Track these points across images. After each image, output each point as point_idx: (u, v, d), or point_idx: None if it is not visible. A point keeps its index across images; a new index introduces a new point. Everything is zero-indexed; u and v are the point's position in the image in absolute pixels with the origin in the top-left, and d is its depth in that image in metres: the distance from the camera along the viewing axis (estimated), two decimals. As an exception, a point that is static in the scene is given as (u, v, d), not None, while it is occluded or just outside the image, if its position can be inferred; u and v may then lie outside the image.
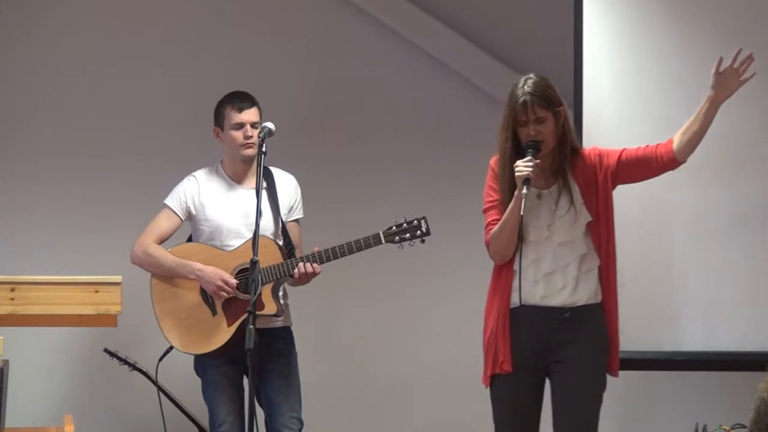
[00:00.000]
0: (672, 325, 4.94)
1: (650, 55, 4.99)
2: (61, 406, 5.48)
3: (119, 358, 5.32)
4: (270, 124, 4.65)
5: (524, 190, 4.17)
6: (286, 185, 5.00)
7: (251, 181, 4.95)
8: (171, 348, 4.93)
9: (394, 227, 4.78)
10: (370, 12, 5.88)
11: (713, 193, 4.94)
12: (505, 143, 4.29)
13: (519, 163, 4.22)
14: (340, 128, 5.92)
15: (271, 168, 4.98)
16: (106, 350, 5.33)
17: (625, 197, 4.85)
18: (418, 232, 4.78)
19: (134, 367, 5.31)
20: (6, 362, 4.71)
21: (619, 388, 5.59)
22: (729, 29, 4.89)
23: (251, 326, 4.17)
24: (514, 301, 4.33)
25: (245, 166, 4.97)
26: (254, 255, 4.36)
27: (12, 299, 3.92)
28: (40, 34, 5.75)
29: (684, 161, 4.29)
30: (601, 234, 4.33)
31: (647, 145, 4.34)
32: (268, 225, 4.86)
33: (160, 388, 5.25)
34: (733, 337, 4.92)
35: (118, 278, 4.05)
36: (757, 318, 4.91)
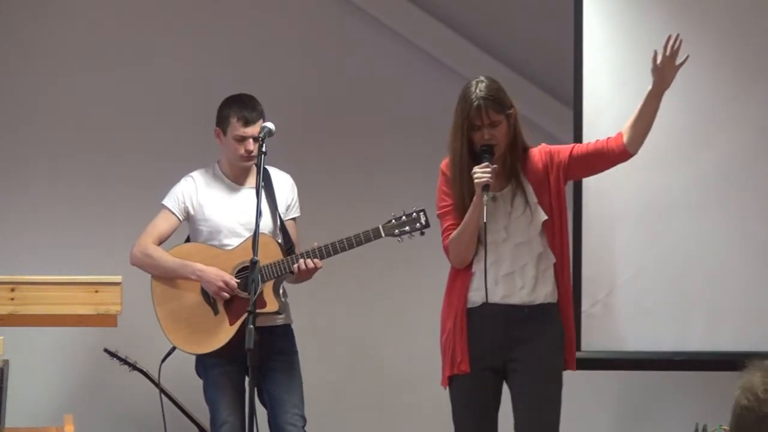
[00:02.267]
0: (672, 325, 4.94)
1: (650, 56, 4.98)
2: (61, 406, 5.48)
3: (119, 358, 5.32)
4: (270, 125, 4.64)
5: (484, 197, 4.19)
6: (283, 184, 5.00)
7: (249, 181, 4.95)
8: (174, 349, 4.92)
9: (393, 220, 4.77)
10: (370, 12, 5.88)
11: (714, 192, 4.94)
12: (461, 148, 4.31)
13: (476, 169, 4.24)
14: (340, 127, 5.92)
15: (268, 167, 4.97)
16: (106, 350, 5.33)
17: (624, 197, 4.86)
18: (418, 224, 4.77)
19: (134, 367, 5.31)
20: (6, 362, 4.70)
21: (619, 388, 5.60)
22: (729, 29, 4.89)
23: (251, 326, 4.17)
24: (474, 300, 4.36)
25: (244, 168, 4.96)
26: (254, 255, 4.36)
27: (12, 299, 3.92)
28: (40, 34, 5.75)
29: (635, 153, 4.30)
30: (554, 231, 4.35)
31: (597, 140, 4.38)
32: (266, 223, 4.86)
33: (160, 389, 5.24)
34: (733, 337, 4.92)
35: (118, 278, 4.04)
36: (757, 318, 4.91)
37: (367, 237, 4.74)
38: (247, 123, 4.87)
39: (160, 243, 4.91)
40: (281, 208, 4.94)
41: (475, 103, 4.23)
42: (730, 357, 4.93)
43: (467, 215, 4.27)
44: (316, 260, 4.73)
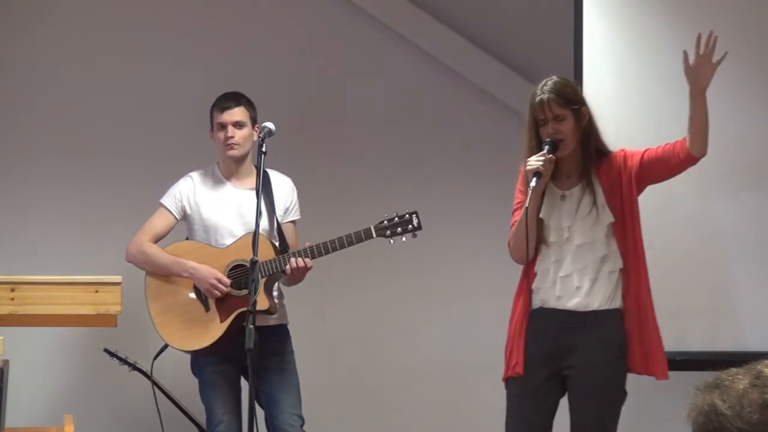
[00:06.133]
0: (672, 325, 4.93)
1: (651, 55, 4.98)
2: (61, 406, 5.48)
3: (119, 358, 5.32)
4: (270, 124, 4.65)
5: (532, 183, 4.18)
6: (282, 187, 5.00)
7: (246, 181, 4.96)
8: (166, 346, 4.93)
9: (385, 222, 4.77)
10: (371, 12, 5.88)
11: (713, 192, 4.94)
12: (530, 143, 4.31)
13: (531, 158, 4.24)
14: (338, 127, 5.91)
15: (268, 170, 4.98)
16: (106, 350, 5.33)
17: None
18: (410, 226, 4.77)
19: (134, 367, 5.30)
20: (6, 362, 4.71)
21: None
22: (730, 27, 4.88)
23: (251, 326, 4.17)
24: (534, 303, 4.34)
25: (239, 166, 4.97)
26: (254, 255, 4.36)
27: (12, 299, 3.92)
28: (40, 34, 5.75)
29: (700, 156, 4.25)
30: (626, 236, 4.30)
31: (666, 144, 4.33)
32: (263, 225, 4.86)
33: (159, 388, 5.24)
34: (733, 337, 4.92)
35: (118, 278, 4.05)
36: (757, 318, 4.90)
37: (359, 237, 4.74)
38: (223, 110, 4.91)
39: (156, 241, 4.93)
40: (279, 211, 4.94)
41: (538, 98, 4.26)
42: (730, 357, 4.92)
43: (523, 207, 4.26)
44: (306, 260, 4.73)
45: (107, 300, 3.98)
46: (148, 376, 5.27)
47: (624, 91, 4.98)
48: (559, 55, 5.26)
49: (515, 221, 4.35)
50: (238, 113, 4.91)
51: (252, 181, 4.91)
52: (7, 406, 4.73)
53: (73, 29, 5.78)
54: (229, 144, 4.89)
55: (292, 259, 4.73)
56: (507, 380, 4.38)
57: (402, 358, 5.88)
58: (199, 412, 5.24)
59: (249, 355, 4.14)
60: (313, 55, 5.89)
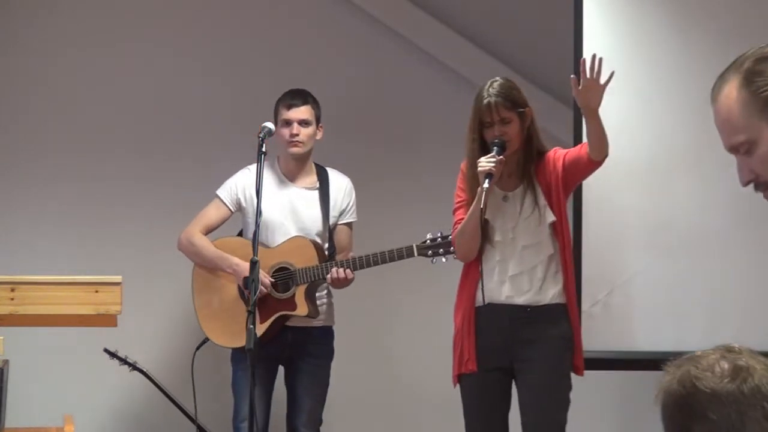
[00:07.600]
0: (672, 325, 4.94)
1: (651, 55, 4.98)
2: (61, 406, 5.47)
3: (119, 358, 5.32)
4: (270, 125, 4.66)
5: (485, 185, 4.23)
6: (339, 187, 5.02)
7: (304, 180, 4.98)
8: (206, 339, 4.96)
9: (428, 241, 4.77)
10: (369, 11, 5.87)
11: (712, 191, 4.94)
12: (472, 144, 4.36)
13: (482, 159, 4.28)
14: (336, 127, 5.89)
15: (327, 169, 5.02)
16: (106, 350, 5.33)
17: (621, 196, 4.86)
18: (452, 248, 4.75)
19: (134, 367, 5.31)
20: (6, 362, 4.70)
21: (619, 388, 5.60)
22: (730, 27, 4.89)
23: (251, 326, 4.17)
24: (480, 300, 4.38)
25: (299, 164, 4.97)
26: (254, 255, 4.36)
27: (12, 299, 3.92)
28: (42, 31, 5.75)
29: (600, 160, 4.33)
30: (564, 235, 4.40)
31: (579, 145, 4.44)
32: (315, 225, 4.90)
33: (159, 387, 5.23)
34: (733, 337, 4.91)
35: (118, 278, 4.04)
36: (757, 318, 4.91)
37: (400, 254, 4.77)
38: (290, 107, 4.94)
39: (208, 232, 4.96)
40: (333, 212, 4.95)
41: (485, 101, 4.30)
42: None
43: (472, 206, 4.29)
44: (348, 271, 4.75)
45: (107, 300, 3.97)
46: (149, 377, 5.28)
47: (624, 91, 4.98)
48: (559, 55, 5.27)
49: (459, 219, 4.41)
50: (304, 111, 4.94)
51: (311, 180, 4.97)
52: (7, 406, 4.73)
53: (74, 26, 5.77)
54: (293, 141, 4.90)
55: (333, 269, 4.75)
56: (459, 378, 4.41)
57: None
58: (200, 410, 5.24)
59: (249, 356, 4.14)
60: (312, 55, 5.89)
